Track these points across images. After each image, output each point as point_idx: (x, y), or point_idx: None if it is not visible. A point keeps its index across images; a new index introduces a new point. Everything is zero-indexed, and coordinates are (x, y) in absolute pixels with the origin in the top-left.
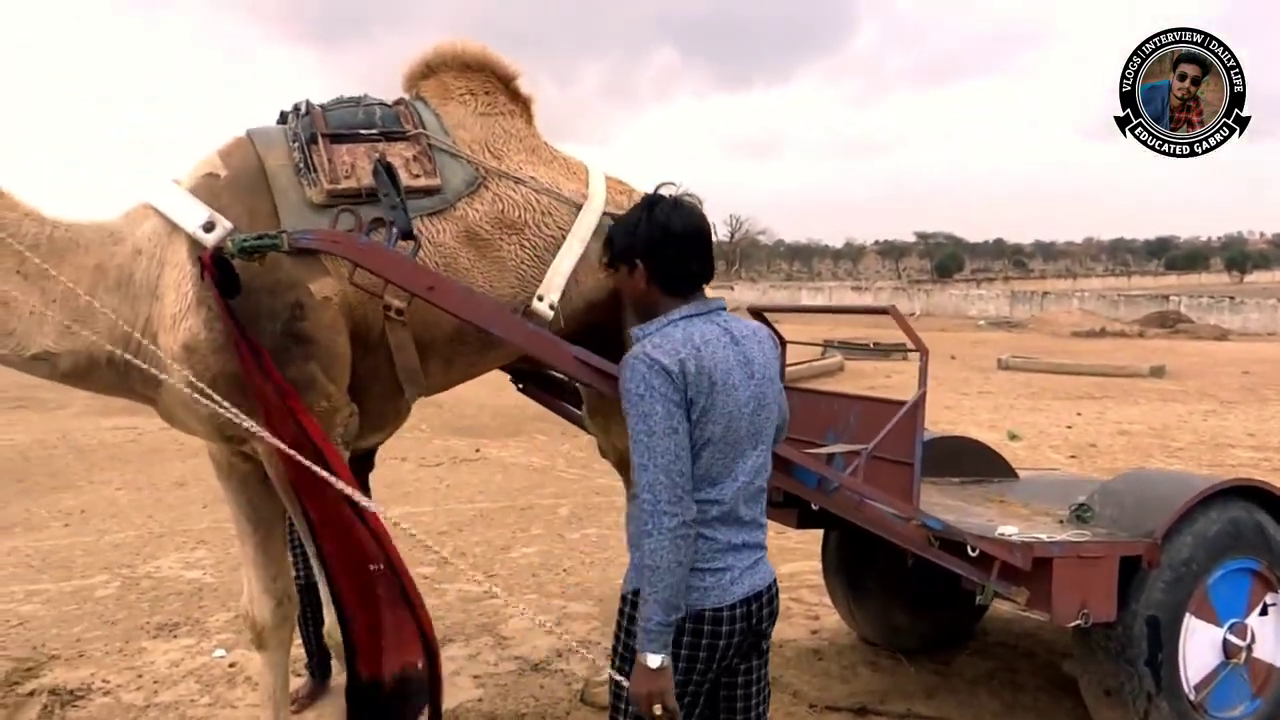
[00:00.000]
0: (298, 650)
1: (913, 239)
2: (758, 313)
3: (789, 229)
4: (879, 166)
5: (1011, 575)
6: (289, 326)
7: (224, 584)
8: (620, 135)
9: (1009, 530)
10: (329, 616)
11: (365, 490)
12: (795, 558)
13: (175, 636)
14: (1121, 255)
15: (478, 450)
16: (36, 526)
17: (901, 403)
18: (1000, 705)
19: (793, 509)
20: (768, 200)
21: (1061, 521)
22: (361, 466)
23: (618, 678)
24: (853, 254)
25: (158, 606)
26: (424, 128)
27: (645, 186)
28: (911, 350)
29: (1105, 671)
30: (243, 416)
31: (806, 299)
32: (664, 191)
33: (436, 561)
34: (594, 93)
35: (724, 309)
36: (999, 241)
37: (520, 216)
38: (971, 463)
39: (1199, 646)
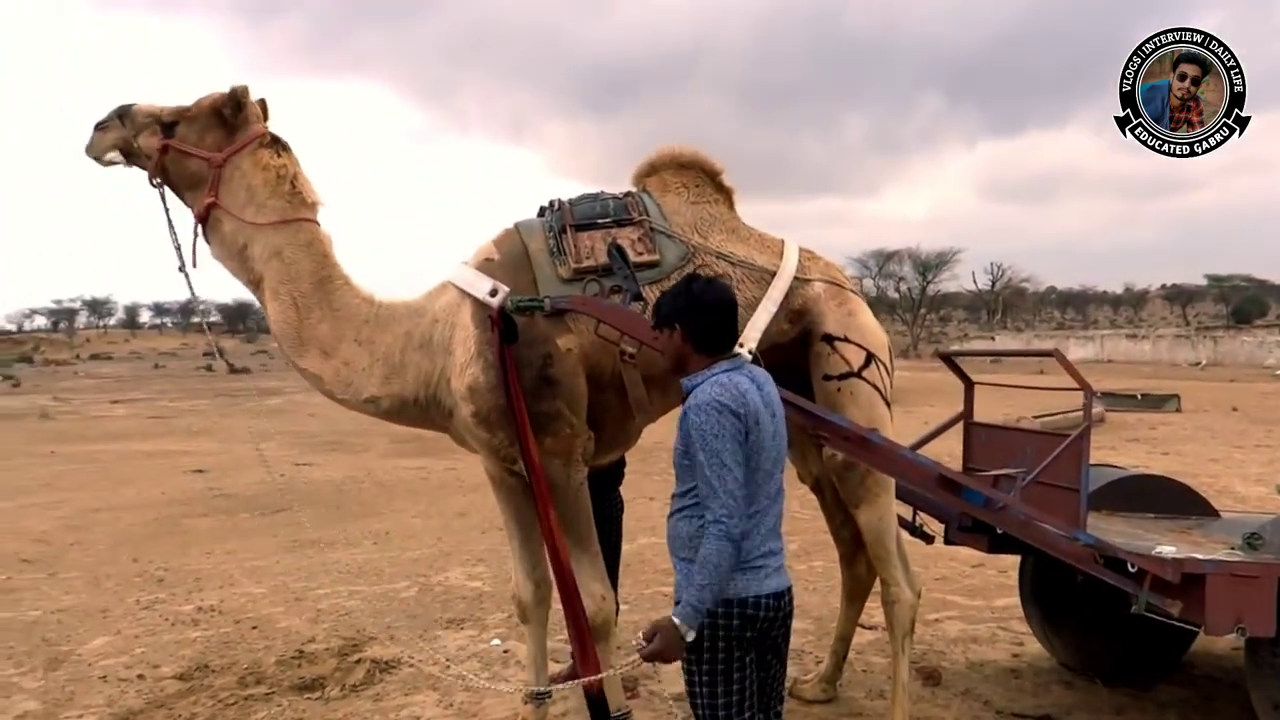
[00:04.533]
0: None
1: (1204, 283)
2: (946, 357)
3: (1063, 276)
4: (1168, 208)
5: (1164, 589)
6: (541, 372)
7: (499, 591)
8: (885, 185)
9: (1166, 549)
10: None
11: (617, 492)
12: (1010, 593)
13: (462, 629)
14: None
15: None
16: (353, 544)
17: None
18: None
19: (983, 535)
20: (1040, 247)
21: (1233, 548)
22: (615, 472)
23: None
24: (1133, 300)
25: (448, 606)
26: (647, 214)
27: (907, 238)
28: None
29: (1273, 686)
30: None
31: (1075, 348)
32: (701, 273)
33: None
34: (859, 143)
35: (745, 364)
36: None
37: None
38: (1170, 501)
39: None
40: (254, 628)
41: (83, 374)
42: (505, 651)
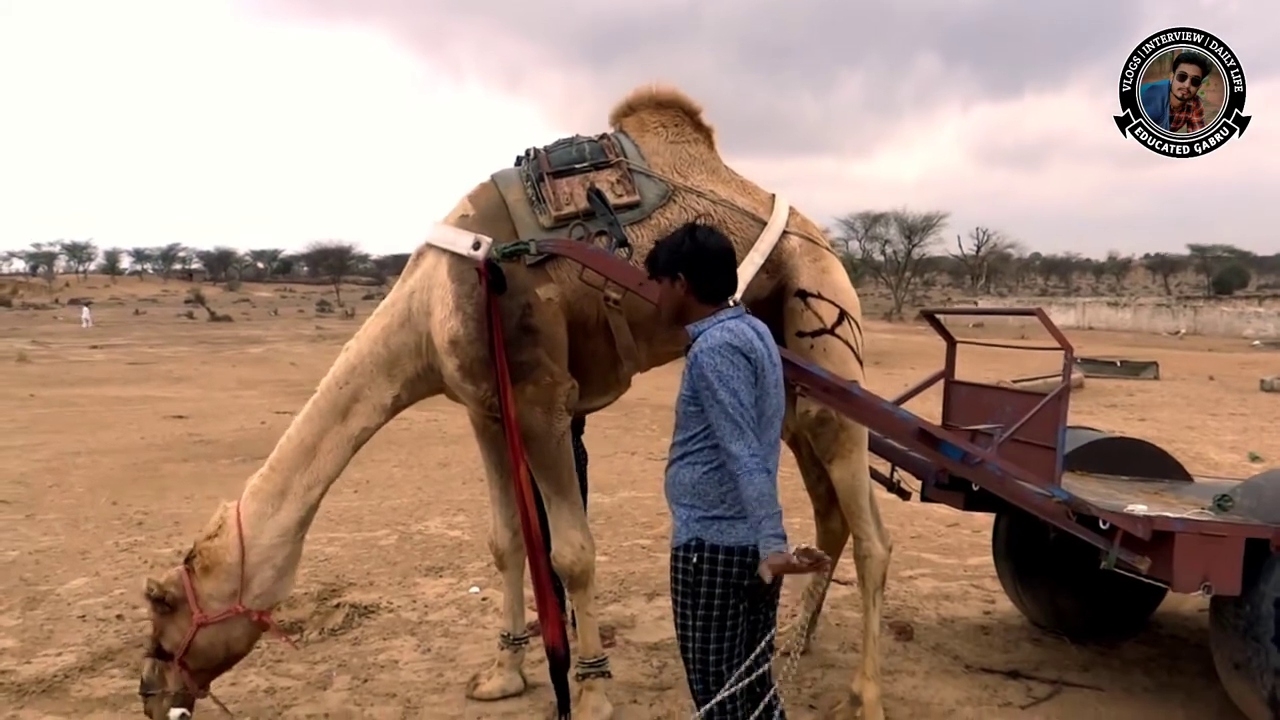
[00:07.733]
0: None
1: (1187, 253)
2: (930, 315)
3: (1047, 242)
4: (1154, 177)
5: (1134, 545)
6: (521, 321)
7: (478, 541)
8: (879, 147)
9: (1138, 507)
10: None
11: (580, 443)
12: (983, 552)
13: (441, 576)
14: None
15: None
16: (332, 492)
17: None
18: (1152, 683)
19: (959, 492)
20: (1027, 213)
21: (1203, 509)
22: (575, 423)
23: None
24: (1116, 268)
25: (427, 554)
26: (625, 156)
27: (897, 201)
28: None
29: (1234, 646)
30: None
31: (1056, 315)
32: (700, 222)
33: (653, 536)
34: (853, 103)
35: (745, 313)
36: None
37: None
38: (1145, 464)
39: None
40: None
41: (61, 319)
42: (484, 599)
